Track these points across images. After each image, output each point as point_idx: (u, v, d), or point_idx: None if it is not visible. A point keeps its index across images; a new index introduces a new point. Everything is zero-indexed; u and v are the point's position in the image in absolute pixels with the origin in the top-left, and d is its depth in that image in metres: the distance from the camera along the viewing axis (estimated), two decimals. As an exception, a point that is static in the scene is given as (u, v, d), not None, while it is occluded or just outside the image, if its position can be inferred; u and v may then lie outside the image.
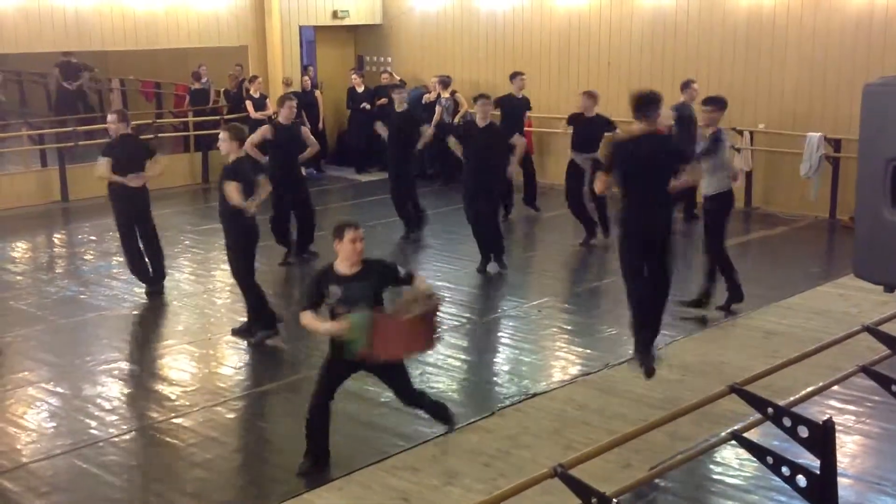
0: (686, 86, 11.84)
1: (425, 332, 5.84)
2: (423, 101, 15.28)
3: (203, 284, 10.37)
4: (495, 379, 7.69)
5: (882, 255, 3.90)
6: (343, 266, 5.88)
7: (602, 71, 14.61)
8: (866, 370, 5.45)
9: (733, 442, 5.17)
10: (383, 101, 15.25)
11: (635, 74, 14.15)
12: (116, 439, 6.54)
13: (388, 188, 12.12)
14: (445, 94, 15.25)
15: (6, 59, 19.98)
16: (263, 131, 10.49)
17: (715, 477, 5.97)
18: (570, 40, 15.05)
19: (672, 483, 5.86)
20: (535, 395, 7.18)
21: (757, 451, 5.02)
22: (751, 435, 5.42)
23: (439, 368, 7.74)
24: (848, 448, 6.25)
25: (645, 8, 14.18)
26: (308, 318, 5.91)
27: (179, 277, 10.36)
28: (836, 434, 5.11)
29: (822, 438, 4.73)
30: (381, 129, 12.29)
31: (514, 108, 13.10)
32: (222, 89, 17.07)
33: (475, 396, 7.30)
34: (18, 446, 6.49)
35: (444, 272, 10.21)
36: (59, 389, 7.43)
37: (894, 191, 3.85)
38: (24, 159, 14.84)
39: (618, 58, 14.52)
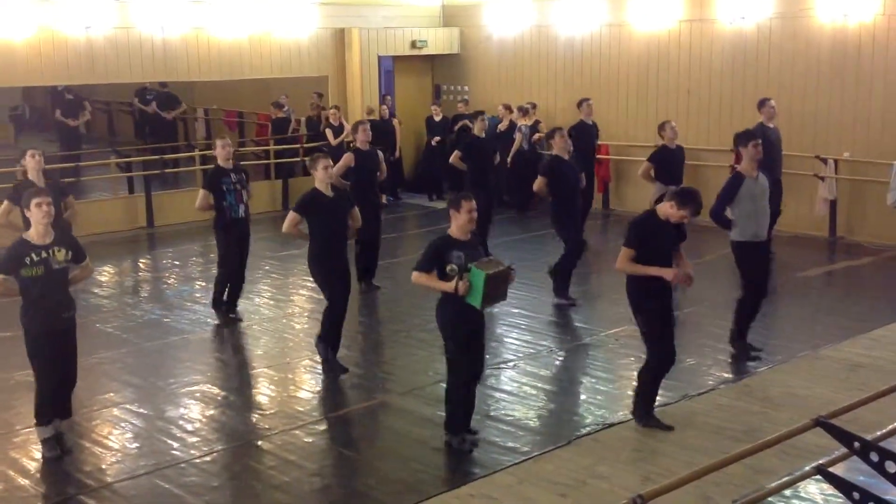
0: (762, 104, 11.54)
1: (504, 286, 6.55)
2: (497, 130, 15.34)
3: (282, 309, 10.53)
4: (571, 408, 7.63)
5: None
6: (459, 233, 6.56)
7: (681, 98, 14.48)
8: (959, 405, 5.25)
9: (817, 476, 5.03)
10: (464, 122, 15.35)
11: (715, 102, 14.03)
12: (198, 461, 6.66)
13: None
14: (524, 122, 15.29)
15: (96, 90, 20.72)
16: (347, 159, 10.62)
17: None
18: (648, 67, 14.96)
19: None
20: (611, 425, 7.10)
21: (843, 486, 4.87)
22: (836, 469, 5.27)
23: (515, 396, 7.71)
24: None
25: (725, 34, 14.03)
26: (425, 278, 6.52)
27: (259, 302, 10.55)
28: (927, 471, 4.94)
29: (912, 475, 4.57)
30: (457, 159, 12.17)
31: (587, 136, 13.08)
32: (304, 118, 17.41)
33: (551, 425, 7.25)
34: (103, 466, 6.66)
35: (521, 299, 10.17)
36: (142, 410, 7.62)
37: None
38: (113, 186, 15.31)
39: (697, 85, 14.38)
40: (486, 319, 7.02)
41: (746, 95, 13.61)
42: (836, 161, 12.87)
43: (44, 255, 6.44)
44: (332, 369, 8.21)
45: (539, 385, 8.00)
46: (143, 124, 19.68)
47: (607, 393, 7.86)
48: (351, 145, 14.49)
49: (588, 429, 7.06)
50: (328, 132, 15.78)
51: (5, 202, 8.65)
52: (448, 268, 6.46)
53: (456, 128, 16.05)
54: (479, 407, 7.51)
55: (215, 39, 15.46)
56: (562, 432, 7.03)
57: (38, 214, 6.44)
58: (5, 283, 6.45)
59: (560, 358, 8.72)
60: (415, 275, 6.57)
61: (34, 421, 6.72)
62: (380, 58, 17.20)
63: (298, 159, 16.37)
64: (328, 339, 8.25)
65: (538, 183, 10.11)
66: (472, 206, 6.53)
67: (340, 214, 8.19)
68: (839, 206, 13.02)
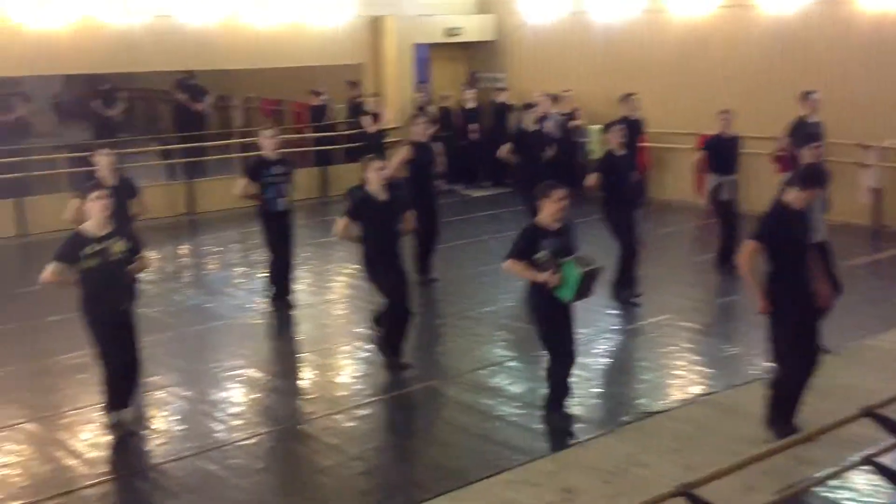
0: (805, 97, 11.29)
1: (592, 286, 6.66)
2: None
3: (322, 295, 10.61)
4: (614, 396, 7.63)
5: None
6: (548, 222, 6.62)
7: (721, 86, 14.32)
8: None
9: (865, 467, 4.99)
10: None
11: (753, 89, 13.86)
12: (241, 443, 6.73)
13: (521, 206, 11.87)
14: (555, 111, 15.21)
15: (135, 78, 20.89)
16: (405, 153, 10.52)
17: (845, 503, 5.76)
18: (687, 54, 14.82)
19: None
20: (654, 413, 7.08)
21: (893, 476, 4.83)
22: (884, 460, 5.23)
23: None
24: None
25: (765, 21, 13.86)
26: (518, 266, 6.59)
27: (299, 288, 10.60)
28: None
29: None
30: (506, 152, 12.05)
31: (630, 131, 12.84)
32: (344, 104, 17.47)
33: (593, 413, 7.24)
34: (149, 447, 6.76)
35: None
36: (187, 393, 7.72)
37: None
38: (153, 174, 15.46)
39: (736, 72, 14.22)
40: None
41: (786, 82, 13.42)
42: (880, 149, 12.68)
43: (101, 246, 6.54)
44: (394, 366, 8.05)
45: (581, 373, 7.92)
46: (179, 114, 19.81)
47: (649, 381, 7.84)
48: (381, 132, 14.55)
49: (630, 417, 7.04)
50: (365, 119, 15.80)
51: (75, 200, 8.67)
52: (537, 256, 6.54)
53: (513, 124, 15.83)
54: (519, 394, 7.57)
55: (252, 28, 15.52)
56: (604, 420, 7.03)
57: (95, 207, 6.58)
58: (62, 272, 6.55)
59: (602, 346, 8.68)
60: (508, 263, 6.65)
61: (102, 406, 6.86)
62: (415, 45, 17.18)
63: (336, 147, 16.45)
64: (390, 341, 8.05)
65: (592, 178, 9.91)
66: (562, 194, 6.60)
67: (393, 217, 8.02)
68: (884, 194, 12.84)
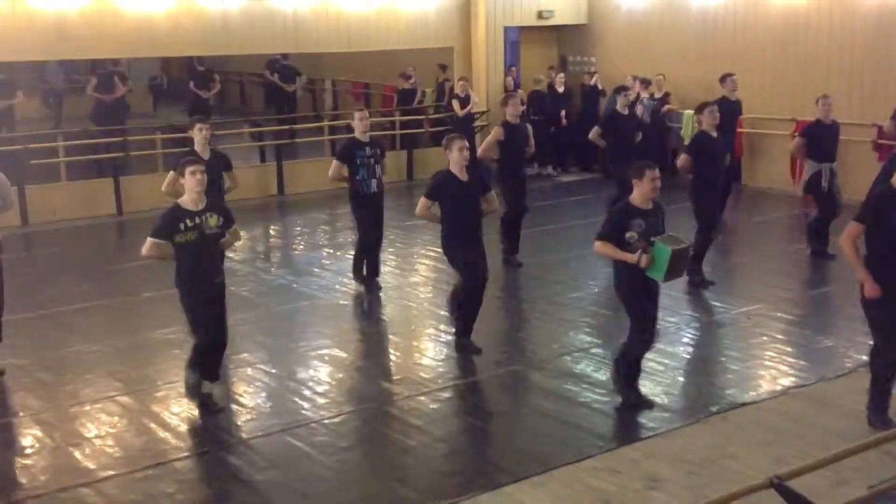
0: None
1: (683, 265, 6.71)
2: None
3: (406, 278, 10.67)
4: (701, 386, 7.48)
5: None
6: (640, 202, 6.62)
7: (820, 72, 13.86)
8: None
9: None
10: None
11: (855, 75, 13.39)
12: (327, 421, 6.82)
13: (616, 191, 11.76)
14: (646, 94, 14.97)
15: (230, 61, 21.31)
16: (496, 133, 10.46)
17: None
18: (785, 39, 14.39)
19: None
20: (742, 404, 6.94)
21: None
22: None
23: (644, 372, 7.55)
24: None
25: (866, 4, 13.35)
26: (608, 247, 6.60)
27: (384, 270, 10.68)
28: None
29: None
30: (597, 136, 11.90)
31: (730, 113, 12.55)
32: (434, 88, 17.52)
33: (679, 402, 7.12)
34: (239, 422, 6.91)
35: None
36: (274, 371, 7.86)
37: None
38: (245, 155, 15.76)
39: (837, 57, 13.74)
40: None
41: (888, 67, 12.95)
42: None
43: (197, 220, 6.69)
44: (463, 348, 8.07)
45: (667, 362, 7.84)
46: (270, 96, 20.15)
47: (738, 372, 7.67)
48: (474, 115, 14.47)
49: (718, 407, 6.91)
50: (455, 103, 15.81)
51: (171, 173, 8.90)
52: (628, 235, 6.54)
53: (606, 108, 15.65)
54: (604, 381, 7.49)
55: (343, 11, 15.66)
56: (690, 410, 6.91)
57: (191, 182, 6.70)
58: (160, 247, 6.73)
59: (689, 335, 8.54)
60: (598, 244, 6.65)
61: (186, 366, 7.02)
62: (505, 29, 17.10)
63: (424, 130, 16.51)
64: (464, 322, 8.05)
65: (682, 160, 9.76)
66: (655, 174, 6.58)
67: (473, 198, 7.92)
68: None
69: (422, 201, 7.96)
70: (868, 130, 12.74)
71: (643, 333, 6.79)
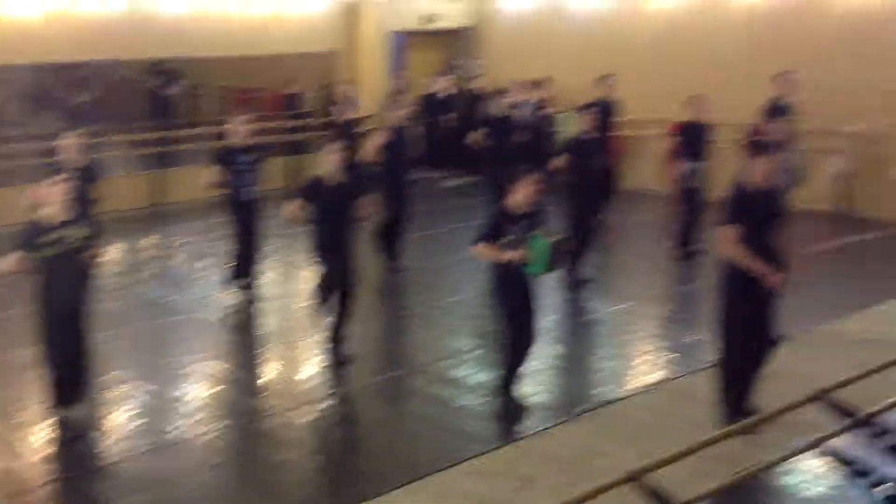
0: (778, 77, 11.25)
1: (562, 257, 6.83)
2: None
3: (286, 288, 10.55)
4: (575, 384, 7.63)
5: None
6: (519, 205, 6.68)
7: (698, 72, 14.26)
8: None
9: (817, 450, 4.99)
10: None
11: (727, 78, 13.82)
12: (200, 439, 6.68)
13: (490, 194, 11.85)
14: (527, 98, 15.14)
15: (107, 66, 20.65)
16: (380, 138, 10.43)
17: (796, 486, 5.77)
18: (662, 43, 14.78)
19: (752, 493, 5.69)
20: (614, 401, 7.08)
21: (840, 460, 4.84)
22: (835, 444, 5.24)
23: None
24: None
25: (739, 9, 13.84)
26: (487, 249, 6.64)
27: (264, 280, 10.54)
28: (927, 445, 4.89)
29: (908, 450, 4.53)
30: (478, 139, 11.96)
31: (607, 114, 12.82)
32: (319, 92, 17.38)
33: (554, 401, 7.24)
34: (104, 445, 6.68)
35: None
36: (145, 389, 7.63)
37: None
38: (122, 163, 15.30)
39: (712, 57, 14.17)
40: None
41: (761, 69, 13.38)
42: (849, 134, 12.68)
43: (60, 234, 6.45)
44: (336, 358, 7.98)
45: (542, 361, 7.95)
46: (150, 101, 19.63)
47: (609, 369, 7.84)
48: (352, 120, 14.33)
49: (589, 405, 7.03)
50: (339, 108, 15.69)
51: (33, 184, 8.65)
52: (506, 238, 6.57)
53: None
54: (482, 384, 7.55)
55: (228, 15, 15.43)
56: (563, 409, 7.02)
57: (54, 192, 6.44)
58: (20, 262, 6.45)
59: (563, 334, 8.67)
60: (477, 246, 6.70)
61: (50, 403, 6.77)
62: (392, 33, 17.08)
63: (310, 135, 16.35)
64: (334, 331, 7.97)
65: (560, 161, 9.92)
66: (533, 178, 6.69)
67: (347, 202, 7.85)
68: (852, 179, 12.85)
69: (292, 203, 7.85)
70: (739, 130, 13.16)
71: (521, 339, 6.84)
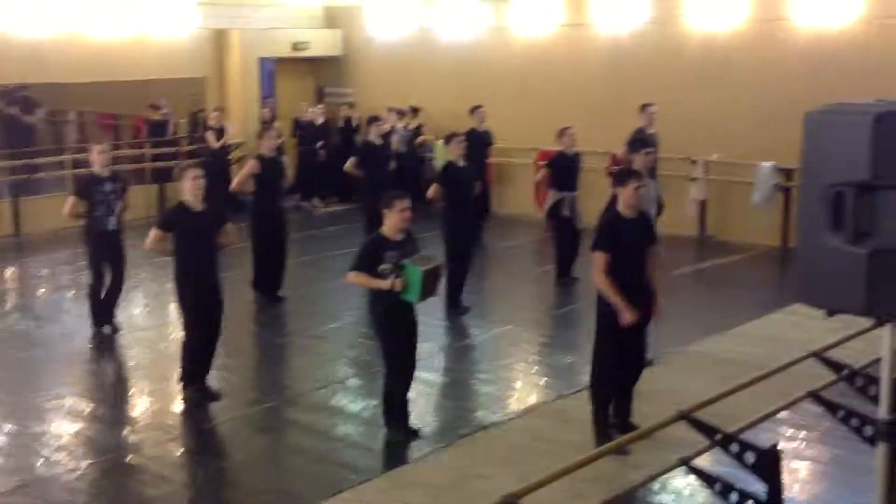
0: (643, 109, 11.71)
1: (436, 283, 6.79)
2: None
3: (156, 319, 10.25)
4: (453, 410, 7.66)
5: (823, 279, 3.92)
6: (392, 233, 6.67)
7: (561, 102, 14.71)
8: (814, 396, 5.46)
9: (684, 469, 5.15)
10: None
11: (592, 106, 14.30)
12: (65, 477, 6.39)
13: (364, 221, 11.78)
14: (400, 125, 15.29)
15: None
16: (251, 167, 10.25)
17: (666, 504, 5.95)
18: (529, 71, 15.17)
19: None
20: (489, 425, 7.15)
21: (705, 477, 5.01)
22: (701, 461, 5.43)
23: (395, 399, 7.68)
24: (798, 474, 6.28)
25: (602, 40, 14.35)
26: (362, 278, 6.63)
27: (133, 312, 10.24)
28: (786, 460, 5.14)
29: (768, 464, 4.73)
30: (352, 166, 11.99)
31: (478, 144, 13.04)
32: (186, 119, 17.03)
33: (432, 428, 7.23)
34: (-39, 486, 6.33)
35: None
36: (7, 425, 7.27)
37: (835, 216, 3.87)
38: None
39: (576, 88, 14.64)
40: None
41: (622, 100, 13.93)
42: (705, 162, 13.29)
43: None
44: (203, 399, 7.62)
45: (419, 387, 7.94)
46: (7, 128, 18.85)
47: (487, 393, 7.92)
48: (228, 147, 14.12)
49: (468, 430, 7.08)
50: (209, 135, 15.44)
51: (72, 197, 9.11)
52: (380, 267, 6.55)
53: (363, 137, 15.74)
54: (359, 412, 7.52)
55: (90, 39, 14.94)
56: (442, 435, 7.04)
57: None
58: None
59: (441, 360, 8.72)
60: (351, 275, 6.68)
61: None
62: (261, 59, 16.93)
63: (177, 163, 15.98)
64: (190, 371, 7.62)
65: (433, 190, 9.97)
66: (404, 204, 6.66)
67: (209, 230, 7.64)
68: (709, 206, 13.47)
69: (153, 233, 7.58)
70: (604, 158, 13.62)
71: (401, 368, 6.82)
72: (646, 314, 6.66)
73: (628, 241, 6.54)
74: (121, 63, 15.42)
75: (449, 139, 10.19)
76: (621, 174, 6.87)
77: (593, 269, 6.55)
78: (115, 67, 15.41)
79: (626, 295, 6.45)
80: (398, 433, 6.88)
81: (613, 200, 8.24)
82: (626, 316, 6.39)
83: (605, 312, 6.52)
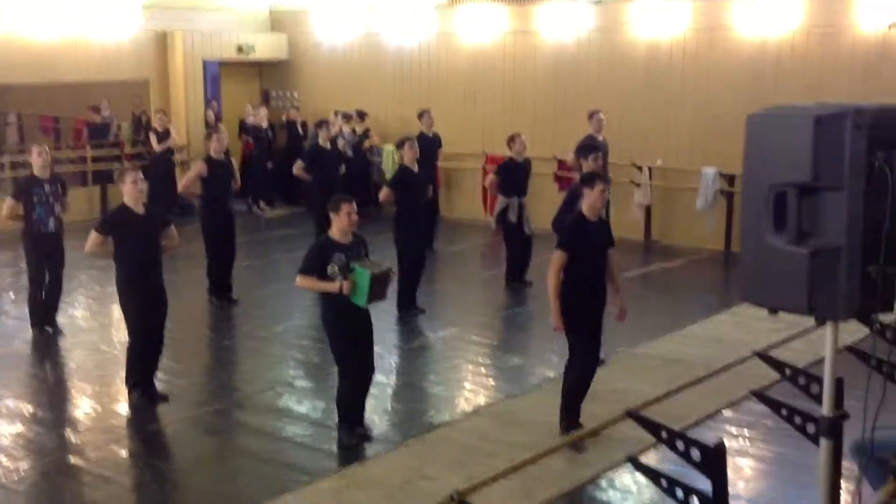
0: (591, 116, 11.83)
1: (385, 288, 6.73)
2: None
3: (98, 321, 10.09)
4: (401, 411, 7.65)
5: (766, 278, 3.99)
6: (340, 235, 6.64)
7: (506, 108, 14.83)
8: (757, 395, 5.57)
9: (630, 466, 5.22)
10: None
11: (539, 111, 14.43)
12: (4, 479, 6.25)
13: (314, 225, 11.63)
14: (347, 129, 15.25)
15: None
16: (199, 169, 10.15)
17: (613, 501, 6.02)
18: (476, 76, 15.25)
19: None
20: (438, 426, 7.16)
21: (651, 474, 5.08)
22: (648, 458, 5.51)
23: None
24: (742, 472, 6.39)
25: (547, 45, 14.48)
26: (308, 281, 6.60)
27: (74, 314, 10.06)
28: (731, 458, 5.24)
29: (714, 461, 4.80)
30: (300, 170, 11.91)
31: (427, 148, 12.98)
32: (129, 121, 16.77)
33: (381, 429, 7.21)
34: None
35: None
36: (-56, 430, 7.10)
37: (777, 216, 3.95)
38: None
39: (522, 93, 14.77)
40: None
41: (567, 106, 14.10)
42: (650, 168, 13.49)
43: None
44: (149, 402, 7.53)
45: (370, 390, 7.95)
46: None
47: (435, 395, 7.93)
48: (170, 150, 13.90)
49: (416, 431, 7.08)
50: (152, 137, 15.24)
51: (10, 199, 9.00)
52: (329, 269, 6.53)
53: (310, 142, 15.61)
54: (306, 414, 7.48)
55: (30, 40, 14.66)
56: (391, 436, 7.03)
57: None
58: None
59: (391, 362, 8.70)
60: (298, 278, 6.63)
61: None
62: (205, 62, 16.77)
63: (119, 166, 15.75)
64: (135, 376, 7.55)
65: (384, 193, 9.92)
66: (351, 207, 6.63)
67: (151, 233, 7.53)
68: (654, 211, 13.67)
69: (93, 236, 7.42)
70: (548, 163, 13.75)
71: (353, 372, 6.78)
72: (600, 315, 6.76)
73: (591, 244, 6.64)
74: (62, 65, 15.19)
75: (402, 143, 10.12)
76: (590, 177, 6.94)
77: (550, 266, 6.62)
78: (57, 69, 15.16)
79: (586, 294, 6.60)
80: (350, 437, 6.83)
81: (566, 204, 8.35)
82: (555, 322, 6.59)
83: (574, 316, 6.60)
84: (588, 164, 8.55)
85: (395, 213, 9.99)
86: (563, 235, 6.75)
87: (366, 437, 6.90)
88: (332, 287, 6.51)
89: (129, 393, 7.57)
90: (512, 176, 10.93)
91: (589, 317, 6.70)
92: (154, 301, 7.51)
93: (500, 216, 11.02)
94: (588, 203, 6.71)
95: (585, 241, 6.62)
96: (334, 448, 6.82)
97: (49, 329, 9.28)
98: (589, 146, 9.32)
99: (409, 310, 9.87)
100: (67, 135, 18.68)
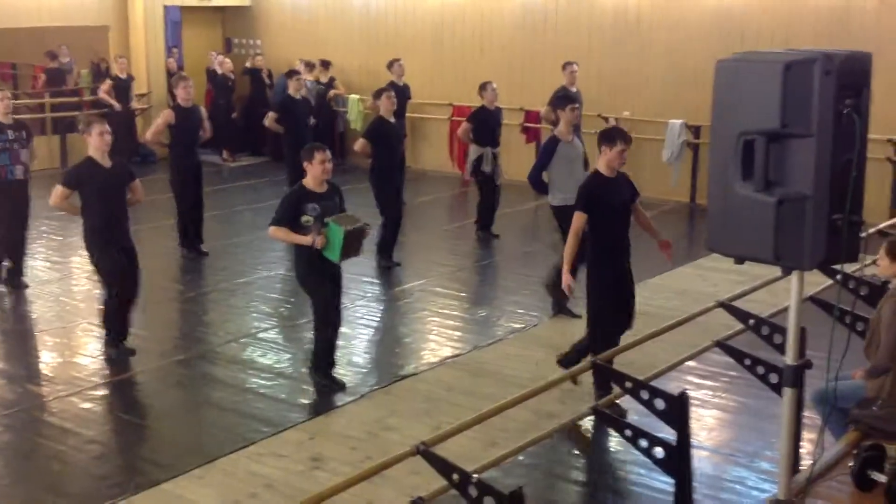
0: (565, 67, 11.77)
1: (359, 245, 6.68)
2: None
3: (59, 272, 9.94)
4: (368, 362, 7.64)
5: (733, 227, 3.96)
6: (314, 185, 6.59)
7: (475, 58, 14.66)
8: (721, 345, 5.59)
9: (596, 416, 5.25)
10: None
11: (507, 62, 14.28)
12: (-37, 433, 6.18)
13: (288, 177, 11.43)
14: (310, 78, 15.01)
15: None
16: (166, 116, 9.91)
17: (577, 451, 6.05)
18: (443, 27, 15.06)
19: (535, 460, 5.93)
20: (403, 377, 7.15)
21: (616, 424, 5.11)
22: (614, 409, 5.53)
23: (306, 353, 7.60)
24: (705, 421, 6.46)
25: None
26: (282, 233, 6.55)
27: (35, 265, 9.88)
28: (694, 408, 5.27)
29: (677, 410, 4.84)
30: (272, 121, 11.60)
31: (398, 98, 12.76)
32: (88, 68, 16.42)
33: (346, 379, 7.17)
34: None
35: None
36: None
37: (745, 164, 3.90)
38: None
39: (490, 46, 14.60)
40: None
41: (535, 58, 13.97)
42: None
43: None
44: (120, 355, 7.48)
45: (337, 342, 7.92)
46: None
47: (402, 346, 7.92)
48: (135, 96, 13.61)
49: (380, 382, 7.07)
50: (106, 84, 14.93)
51: None
52: (303, 219, 6.47)
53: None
54: (271, 365, 7.44)
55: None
56: (354, 387, 7.00)
57: None
58: None
59: (359, 313, 8.64)
60: (272, 229, 6.59)
61: None
62: (166, 8, 16.38)
63: (79, 113, 15.44)
64: (115, 329, 7.48)
65: (360, 144, 9.70)
66: (325, 156, 6.55)
67: (118, 186, 7.36)
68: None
69: (58, 190, 7.25)
70: (516, 114, 13.65)
71: (327, 318, 6.75)
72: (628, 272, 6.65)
73: (612, 200, 6.44)
74: (19, 10, 14.81)
75: (379, 94, 9.88)
76: (611, 133, 6.59)
77: (571, 227, 6.50)
78: (13, 14, 14.76)
79: (613, 252, 6.49)
80: (326, 380, 6.84)
81: (542, 156, 8.28)
82: (566, 279, 6.48)
83: (601, 277, 6.49)
84: (565, 115, 8.36)
85: (371, 167, 9.80)
86: (579, 197, 6.51)
87: (340, 384, 6.90)
88: (305, 240, 6.45)
89: (108, 347, 7.49)
90: (484, 124, 10.83)
91: (616, 277, 6.53)
92: (123, 253, 7.35)
93: (475, 166, 10.91)
94: (605, 161, 6.44)
95: (601, 199, 6.41)
96: (299, 399, 6.81)
97: (13, 278, 9.11)
98: (564, 97, 9.20)
99: (386, 261, 9.82)
100: (25, 82, 18.28)
